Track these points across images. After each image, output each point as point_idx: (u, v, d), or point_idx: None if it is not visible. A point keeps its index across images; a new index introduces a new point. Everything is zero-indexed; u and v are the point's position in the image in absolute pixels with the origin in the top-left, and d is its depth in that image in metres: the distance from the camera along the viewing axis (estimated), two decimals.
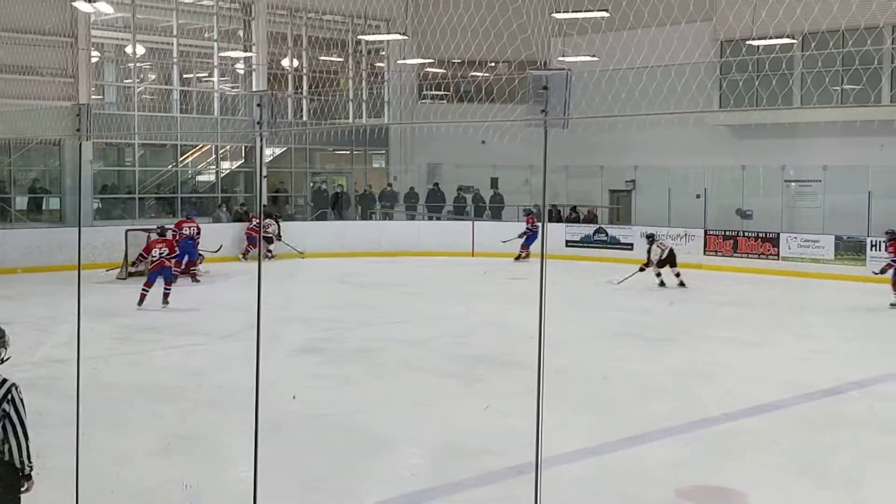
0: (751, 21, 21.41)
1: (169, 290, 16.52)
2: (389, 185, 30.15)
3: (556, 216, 27.35)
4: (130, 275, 20.39)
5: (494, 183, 29.40)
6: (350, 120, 30.87)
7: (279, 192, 29.18)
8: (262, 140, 4.67)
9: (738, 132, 26.06)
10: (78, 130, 5.84)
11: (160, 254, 16.54)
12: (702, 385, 10.91)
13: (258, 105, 4.67)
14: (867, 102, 22.72)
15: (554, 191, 27.82)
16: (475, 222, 26.75)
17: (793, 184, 25.22)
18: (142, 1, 26.31)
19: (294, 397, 9.78)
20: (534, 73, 3.78)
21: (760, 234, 22.85)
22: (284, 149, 29.47)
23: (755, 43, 23.34)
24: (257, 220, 23.31)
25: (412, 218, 29.20)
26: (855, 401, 10.36)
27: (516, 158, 22.94)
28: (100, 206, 25.94)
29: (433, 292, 18.91)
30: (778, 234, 22.62)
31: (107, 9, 23.92)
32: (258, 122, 4.62)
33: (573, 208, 27.49)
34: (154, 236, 17.97)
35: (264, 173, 27.01)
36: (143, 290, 16.43)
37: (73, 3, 23.67)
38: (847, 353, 12.96)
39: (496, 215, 28.64)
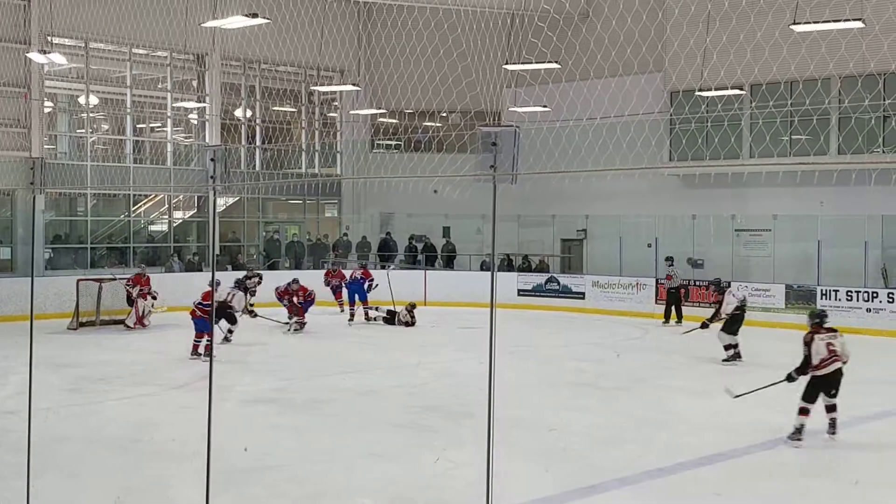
0: (698, 73, 21.88)
1: (209, 341, 16.05)
2: (345, 234, 30.21)
3: (508, 265, 27.54)
4: (82, 325, 20.18)
5: (447, 232, 29.57)
6: (303, 170, 30.96)
7: (231, 242, 29.09)
8: (215, 194, 4.72)
9: (689, 181, 26.48)
10: (32, 183, 5.85)
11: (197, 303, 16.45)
12: (654, 434, 10.99)
13: (211, 160, 4.72)
14: (815, 152, 23.21)
15: (506, 240, 28.04)
16: (427, 271, 26.84)
17: (743, 233, 25.60)
18: (95, 52, 26.33)
19: (246, 449, 9.71)
20: (483, 129, 3.89)
21: (711, 283, 23.12)
22: (237, 198, 29.46)
23: (705, 93, 23.81)
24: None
25: (364, 267, 29.21)
26: (804, 450, 10.45)
27: (468, 207, 23.14)
28: (51, 255, 25.68)
29: (386, 342, 18.89)
30: (729, 282, 22.87)
31: (60, 59, 23.88)
32: (212, 177, 4.67)
33: (525, 257, 27.69)
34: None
35: (216, 224, 26.94)
36: (196, 340, 16.27)
37: (27, 55, 23.63)
38: (795, 402, 13.09)
39: (448, 264, 28.76)
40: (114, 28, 25.15)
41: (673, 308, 22.30)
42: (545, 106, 25.01)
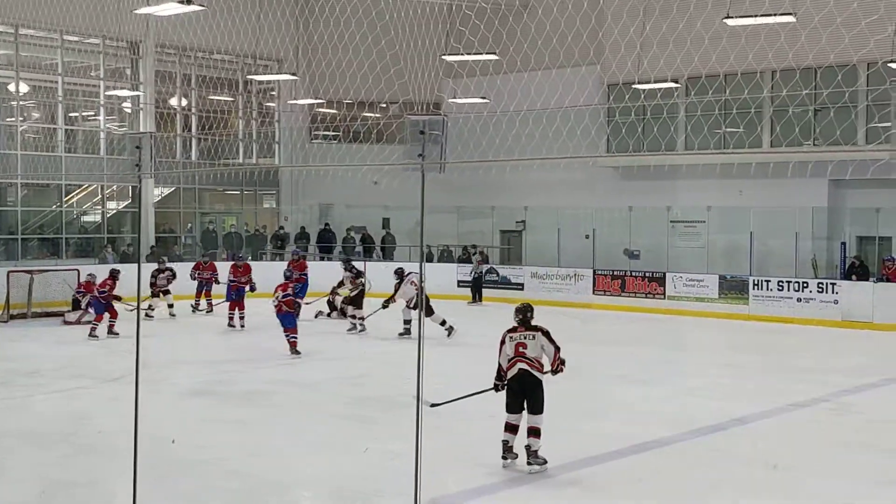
0: (636, 65, 22.08)
1: (295, 337, 15.91)
2: (282, 227, 29.97)
3: (447, 256, 27.56)
4: (12, 317, 19.81)
5: (386, 223, 29.49)
6: (240, 160, 30.66)
7: (168, 233, 28.74)
8: (140, 182, 4.65)
9: (627, 173, 26.73)
10: None
11: (284, 296, 16.11)
12: (591, 423, 11.09)
13: (137, 147, 4.65)
14: (752, 145, 23.58)
15: (446, 231, 28.05)
16: (366, 262, 26.74)
17: (678, 224, 25.94)
18: (25, 38, 25.76)
19: (174, 441, 9.59)
20: (411, 117, 3.88)
21: (647, 274, 23.42)
22: (173, 189, 29.07)
23: (640, 87, 24.03)
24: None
25: (303, 258, 29.03)
26: (737, 437, 10.65)
27: (408, 199, 22.99)
28: None
29: (324, 333, 18.80)
30: (664, 273, 23.23)
31: None
32: (137, 165, 4.61)
33: (465, 249, 27.73)
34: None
35: (150, 215, 26.60)
36: (291, 337, 15.92)
37: None
38: (730, 390, 13.34)
39: (388, 255, 28.68)
40: (44, 14, 24.51)
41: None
42: (484, 97, 25.06)
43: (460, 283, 25.73)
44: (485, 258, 26.27)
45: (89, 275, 20.22)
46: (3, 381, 13.48)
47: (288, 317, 15.99)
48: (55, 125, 26.96)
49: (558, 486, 8.69)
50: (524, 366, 9.16)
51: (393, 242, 29.06)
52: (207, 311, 21.84)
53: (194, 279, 22.12)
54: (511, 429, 9.13)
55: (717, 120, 24.28)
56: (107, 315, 18.05)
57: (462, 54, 22.32)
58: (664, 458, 9.67)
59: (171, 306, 20.99)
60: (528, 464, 8.90)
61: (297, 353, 15.76)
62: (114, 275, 18.36)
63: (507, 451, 9.06)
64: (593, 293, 23.91)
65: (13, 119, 26.37)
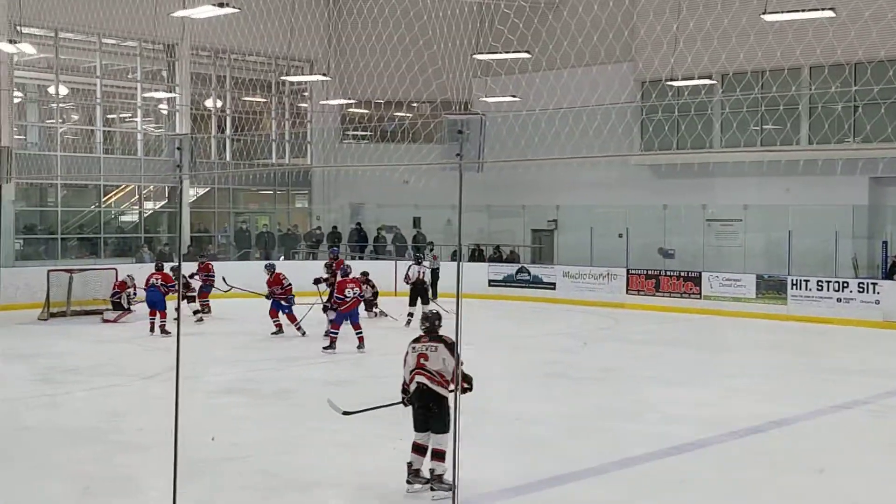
0: (670, 62, 21.93)
1: (361, 333, 16.35)
2: (318, 228, 30.10)
3: (478, 256, 27.53)
4: (52, 315, 20.04)
5: (417, 222, 29.51)
6: (273, 160, 30.84)
7: (203, 232, 28.97)
8: (181, 183, 4.68)
9: (659, 171, 26.55)
10: None
11: (353, 294, 16.30)
12: (625, 424, 11.00)
13: (178, 148, 4.69)
14: (786, 143, 23.31)
15: (477, 230, 28.03)
16: (397, 262, 26.77)
17: (714, 223, 25.72)
18: (65, 42, 26.09)
19: (213, 439, 9.65)
20: (449, 117, 3.86)
21: (682, 273, 23.22)
22: (208, 189, 29.28)
23: (676, 84, 23.86)
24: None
25: (335, 257, 29.11)
26: (776, 439, 10.51)
27: (438, 198, 23.11)
28: (22, 246, 25.45)
29: (352, 333, 18.84)
30: (700, 273, 23.02)
31: (29, 49, 23.60)
32: (178, 165, 4.64)
33: (496, 248, 27.69)
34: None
35: (186, 214, 26.80)
36: (333, 333, 16.25)
37: None
38: (768, 391, 13.21)
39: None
40: (83, 18, 24.83)
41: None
42: (515, 96, 24.98)
43: (491, 283, 25.68)
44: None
45: (128, 276, 20.47)
46: (42, 377, 13.63)
47: (354, 313, 16.34)
48: (94, 127, 27.26)
49: (597, 487, 8.63)
50: (423, 379, 8.26)
51: (423, 241, 29.07)
52: (198, 320, 20.02)
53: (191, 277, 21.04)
54: (417, 449, 8.26)
55: (753, 117, 24.04)
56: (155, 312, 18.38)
57: (494, 53, 22.26)
58: (702, 460, 9.57)
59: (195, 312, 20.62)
60: (431, 489, 8.09)
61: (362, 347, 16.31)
62: (173, 269, 18.95)
63: (412, 474, 8.24)
64: (627, 293, 23.75)
65: (53, 121, 26.71)
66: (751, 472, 9.18)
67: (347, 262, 20.00)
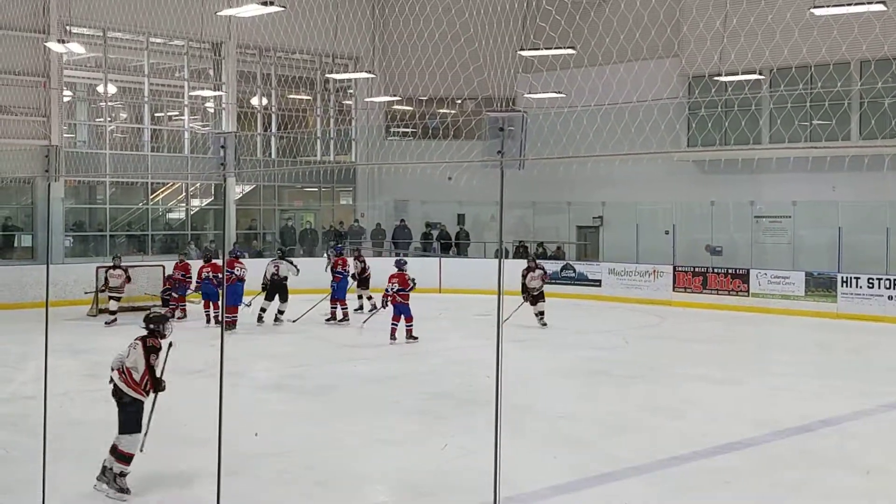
0: (719, 57, 21.68)
1: (411, 325, 16.69)
2: (356, 221, 30.19)
3: (523, 252, 27.43)
4: (101, 311, 20.26)
5: (461, 219, 29.49)
6: (318, 157, 30.99)
7: (250, 230, 29.21)
8: (225, 181, 4.69)
9: (707, 168, 26.25)
10: (47, 171, 5.86)
11: (393, 289, 16.63)
12: (669, 422, 10.91)
13: (222, 146, 4.69)
14: (835, 138, 22.93)
15: (521, 227, 27.93)
16: (442, 259, 26.78)
17: (762, 219, 25.42)
18: (113, 41, 26.42)
19: (256, 435, 9.71)
20: (491, 114, 3.83)
21: (730, 271, 22.94)
22: (253, 186, 29.50)
23: (723, 79, 23.60)
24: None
25: (379, 254, 29.22)
26: (823, 438, 10.37)
27: (482, 195, 23.02)
28: (71, 243, 25.82)
29: (398, 329, 18.86)
30: (748, 270, 22.73)
31: (79, 49, 23.95)
32: (222, 164, 4.65)
33: (540, 244, 27.56)
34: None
35: (235, 217, 27.03)
36: (393, 324, 16.63)
37: (46, 44, 23.73)
38: (816, 390, 13.02)
39: (462, 252, 28.69)
40: (131, 17, 25.19)
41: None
42: (559, 92, 24.85)
43: None
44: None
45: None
46: (90, 373, 13.76)
47: (404, 307, 16.56)
48: (141, 125, 27.58)
49: (640, 486, 8.56)
50: (115, 376, 8.27)
51: (467, 238, 29.06)
52: (179, 317, 19.53)
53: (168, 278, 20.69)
54: (120, 457, 8.10)
55: (803, 112, 23.71)
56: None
57: (539, 49, 22.15)
58: (749, 459, 9.44)
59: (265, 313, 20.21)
60: (107, 486, 8.02)
61: (415, 338, 16.62)
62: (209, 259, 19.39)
63: (103, 471, 8.11)
64: (673, 290, 23.53)
65: (101, 119, 27.07)
66: (797, 471, 9.05)
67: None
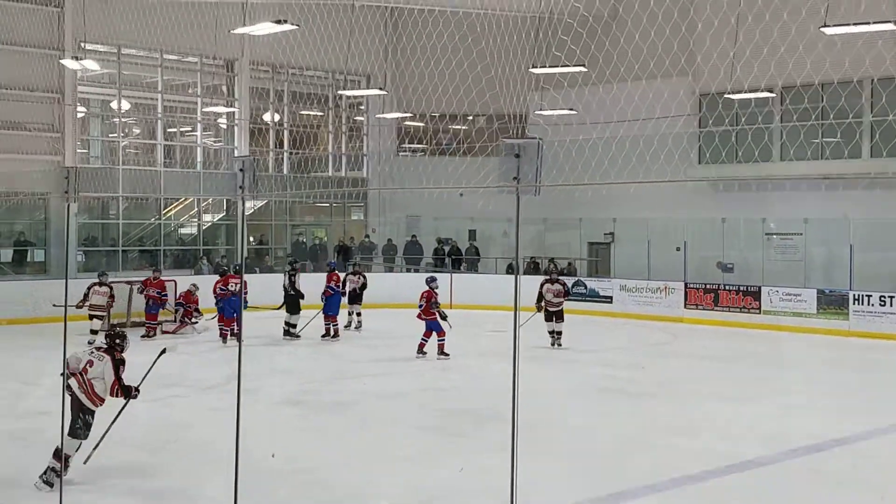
0: (729, 75, 21.74)
1: (443, 340, 16.85)
2: (367, 236, 30.28)
3: (534, 268, 27.46)
4: (113, 327, 20.31)
5: (472, 235, 29.54)
6: (329, 173, 31.14)
7: (262, 245, 29.33)
8: (243, 203, 4.77)
9: (719, 184, 26.28)
10: (66, 192, 5.95)
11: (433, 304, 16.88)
12: (682, 441, 10.91)
13: (240, 170, 4.77)
14: (847, 155, 22.92)
15: (532, 243, 27.95)
16: (453, 274, 26.82)
17: (774, 236, 25.39)
18: (127, 58, 26.61)
19: (273, 455, 9.73)
20: (507, 140, 3.90)
21: (741, 288, 22.92)
22: (265, 201, 29.65)
23: (733, 97, 23.64)
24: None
25: (390, 270, 29.30)
26: (836, 458, 10.35)
27: (494, 211, 23.15)
28: (83, 258, 25.96)
29: (411, 345, 18.90)
30: (759, 287, 22.70)
31: (93, 66, 24.18)
32: (240, 186, 4.72)
33: (552, 260, 27.56)
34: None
35: (246, 232, 27.18)
36: (423, 339, 16.90)
37: (61, 61, 23.93)
38: (829, 409, 12.99)
39: (473, 267, 28.73)
40: (145, 34, 25.42)
41: None
42: (572, 109, 24.92)
43: None
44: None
45: (192, 285, 20.79)
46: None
47: (433, 323, 16.77)
48: (155, 141, 27.76)
49: (655, 503, 8.57)
50: (74, 384, 8.62)
51: (477, 254, 29.09)
52: (149, 335, 19.29)
53: (140, 293, 20.23)
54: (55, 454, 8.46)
55: (813, 129, 23.73)
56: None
57: (551, 66, 22.23)
58: (761, 479, 9.45)
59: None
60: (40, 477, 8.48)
61: (446, 354, 16.74)
62: (223, 273, 19.64)
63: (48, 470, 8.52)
64: (685, 307, 23.51)
65: (115, 135, 27.25)
66: (810, 491, 9.06)
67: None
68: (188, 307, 20.61)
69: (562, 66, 21.61)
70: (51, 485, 8.33)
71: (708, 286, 23.46)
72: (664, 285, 23.96)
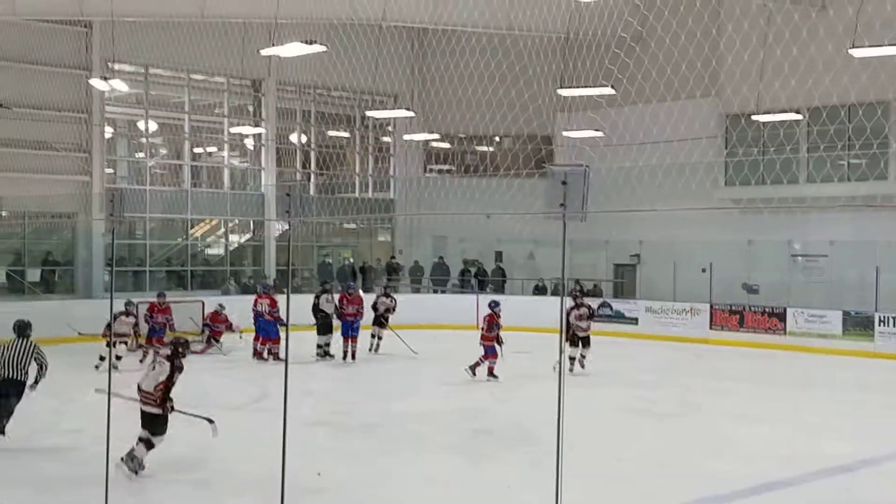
0: (755, 96, 21.73)
1: (493, 363, 16.85)
2: (393, 257, 30.33)
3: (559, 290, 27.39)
4: (139, 346, 20.45)
5: (499, 256, 29.54)
6: (356, 195, 31.25)
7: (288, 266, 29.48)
8: (290, 229, 4.87)
9: (745, 207, 26.17)
10: (112, 215, 6.08)
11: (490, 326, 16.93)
12: (710, 462, 10.89)
13: (287, 195, 4.88)
14: (874, 177, 22.81)
15: (557, 265, 27.85)
16: (479, 295, 26.80)
17: (799, 258, 25.25)
18: (155, 78, 26.87)
19: (319, 474, 9.81)
20: (554, 167, 3.97)
21: (767, 309, 22.80)
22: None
23: (762, 117, 23.59)
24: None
25: (417, 291, 29.32)
26: (865, 479, 10.31)
27: (520, 232, 23.14)
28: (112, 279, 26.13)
29: (438, 366, 18.93)
30: (785, 308, 22.58)
31: (121, 86, 24.42)
32: (287, 211, 4.83)
33: (577, 282, 27.51)
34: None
35: (274, 254, 27.38)
36: (480, 360, 16.87)
37: (89, 81, 24.19)
38: (855, 430, 12.93)
39: (499, 289, 28.70)
40: (173, 54, 25.71)
41: None
42: (599, 130, 24.95)
43: None
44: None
45: (219, 305, 20.89)
46: (130, 408, 13.92)
47: (489, 348, 16.78)
48: (182, 161, 27.98)
49: None
50: (141, 405, 9.93)
51: (503, 276, 29.05)
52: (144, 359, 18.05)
53: (147, 322, 19.58)
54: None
55: (839, 151, 23.64)
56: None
57: (578, 87, 22.29)
58: (788, 500, 9.44)
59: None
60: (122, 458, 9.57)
61: (495, 376, 16.67)
62: (268, 292, 19.61)
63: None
64: (710, 328, 23.42)
65: (142, 155, 27.49)
66: None
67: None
68: (216, 327, 20.71)
69: (589, 87, 21.67)
70: (135, 471, 9.62)
71: (733, 307, 23.37)
72: (690, 307, 23.88)
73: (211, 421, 9.92)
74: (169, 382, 9.78)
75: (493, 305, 17.40)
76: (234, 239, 29.46)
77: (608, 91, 21.67)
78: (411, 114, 28.38)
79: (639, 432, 12.68)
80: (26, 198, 23.41)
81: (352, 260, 30.93)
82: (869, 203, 21.67)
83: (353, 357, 19.25)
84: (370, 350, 20.39)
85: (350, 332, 19.39)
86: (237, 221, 28.96)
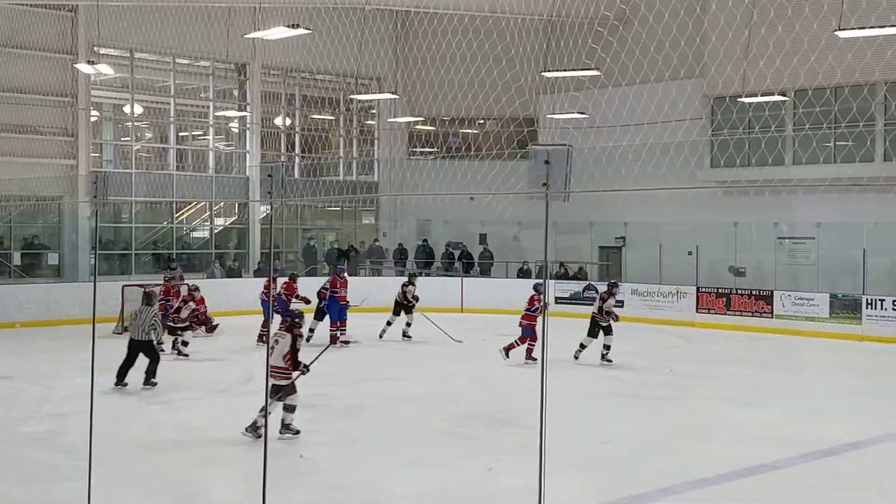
0: (741, 78, 21.71)
1: (533, 345, 16.79)
2: (376, 240, 30.25)
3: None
4: (126, 329, 20.32)
5: (483, 239, 29.50)
6: (341, 177, 31.19)
7: (278, 249, 29.40)
8: (272, 210, 4.81)
9: (730, 189, 26.18)
10: (95, 197, 6.00)
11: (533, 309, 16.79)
12: (697, 445, 10.91)
13: (269, 175, 4.83)
14: (861, 159, 22.83)
15: (541, 247, 27.86)
16: (464, 279, 26.81)
17: (786, 241, 25.30)
18: (140, 62, 26.74)
19: (301, 456, 9.81)
20: (536, 147, 3.92)
21: (754, 292, 22.84)
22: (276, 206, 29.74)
23: (748, 100, 23.58)
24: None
25: (401, 274, 29.27)
26: (851, 462, 10.34)
27: (504, 215, 23.08)
28: (96, 261, 26.06)
29: (422, 349, 18.91)
30: (772, 291, 22.61)
31: (107, 70, 24.29)
32: (269, 192, 4.78)
33: (562, 264, 27.53)
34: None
35: (259, 236, 27.28)
36: (515, 342, 16.71)
37: (75, 65, 24.04)
38: (843, 413, 12.98)
39: (485, 272, 28.70)
40: (158, 38, 25.58)
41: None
42: (583, 112, 24.89)
43: (558, 300, 25.45)
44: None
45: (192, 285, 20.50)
46: (119, 390, 13.90)
47: (527, 329, 16.70)
48: (167, 145, 27.86)
49: None
50: (272, 380, 10.38)
51: (490, 258, 29.05)
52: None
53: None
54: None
55: (826, 133, 23.67)
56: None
57: (561, 69, 22.21)
58: (775, 482, 9.45)
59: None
60: (280, 433, 10.53)
61: (534, 359, 16.56)
62: (293, 278, 19.19)
63: (255, 426, 10.32)
64: (697, 311, 23.45)
65: (128, 139, 27.35)
66: (824, 495, 9.05)
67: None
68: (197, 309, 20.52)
69: (573, 70, 21.59)
70: (298, 431, 10.68)
71: (720, 290, 23.39)
72: (676, 289, 23.90)
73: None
74: (293, 350, 10.55)
75: (539, 286, 17.27)
76: (220, 222, 29.37)
77: (592, 73, 21.61)
78: (395, 96, 28.30)
79: (627, 415, 12.70)
80: (12, 181, 23.26)
81: (337, 245, 30.83)
82: (856, 183, 21.66)
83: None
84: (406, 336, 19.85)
85: (342, 316, 19.03)
86: (222, 204, 28.86)
